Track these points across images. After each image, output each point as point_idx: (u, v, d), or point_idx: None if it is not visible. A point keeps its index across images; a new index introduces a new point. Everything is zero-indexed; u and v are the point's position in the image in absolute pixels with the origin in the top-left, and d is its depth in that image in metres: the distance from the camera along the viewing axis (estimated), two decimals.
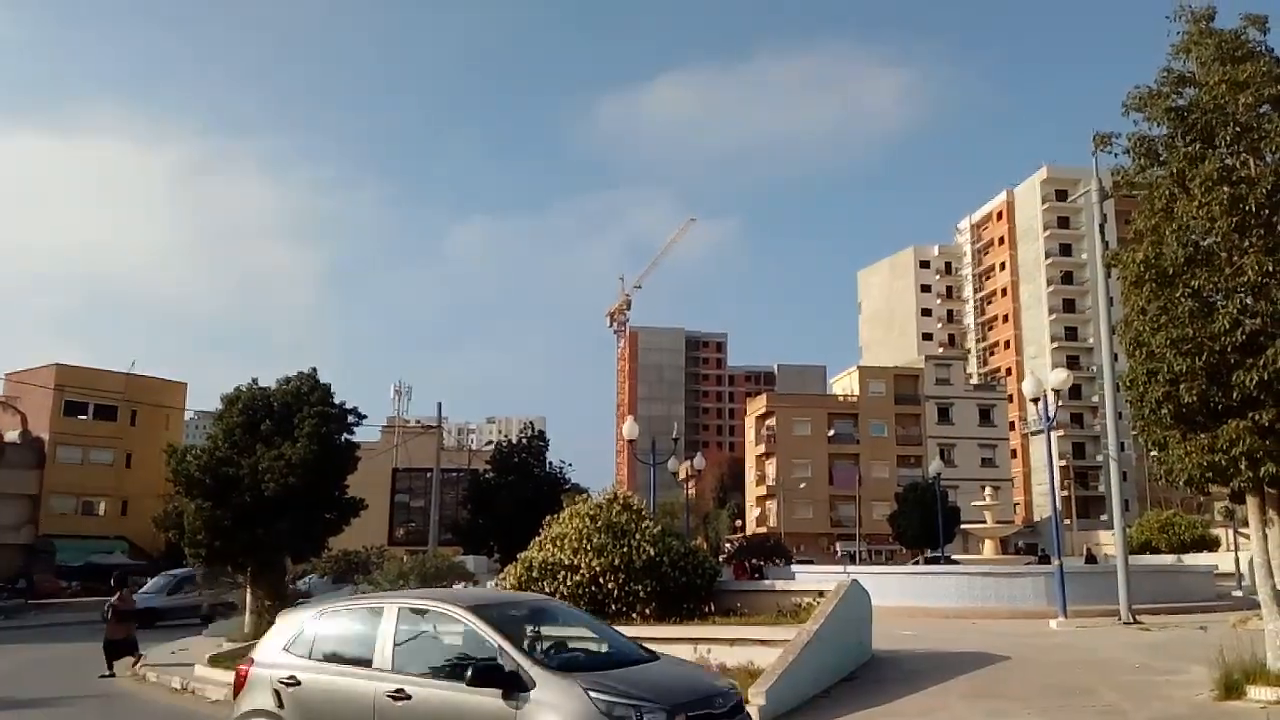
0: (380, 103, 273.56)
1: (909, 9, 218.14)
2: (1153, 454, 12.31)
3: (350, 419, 24.51)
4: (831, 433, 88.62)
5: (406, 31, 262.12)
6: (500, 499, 35.28)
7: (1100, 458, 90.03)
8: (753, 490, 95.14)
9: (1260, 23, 11.47)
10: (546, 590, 14.43)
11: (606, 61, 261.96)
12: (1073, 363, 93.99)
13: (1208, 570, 32.53)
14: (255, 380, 24.65)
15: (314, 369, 24.74)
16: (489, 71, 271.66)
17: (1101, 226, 24.05)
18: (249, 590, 23.50)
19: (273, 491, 22.23)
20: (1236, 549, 41.39)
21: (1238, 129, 10.97)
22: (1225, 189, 10.64)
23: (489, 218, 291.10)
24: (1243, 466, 10.38)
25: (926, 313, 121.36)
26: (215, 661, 16.73)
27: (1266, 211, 10.52)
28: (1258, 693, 10.34)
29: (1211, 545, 54.14)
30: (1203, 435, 10.72)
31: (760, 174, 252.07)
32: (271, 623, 22.45)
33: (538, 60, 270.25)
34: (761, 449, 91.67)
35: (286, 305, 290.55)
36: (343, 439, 24.28)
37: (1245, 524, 11.79)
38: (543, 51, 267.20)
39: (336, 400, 24.38)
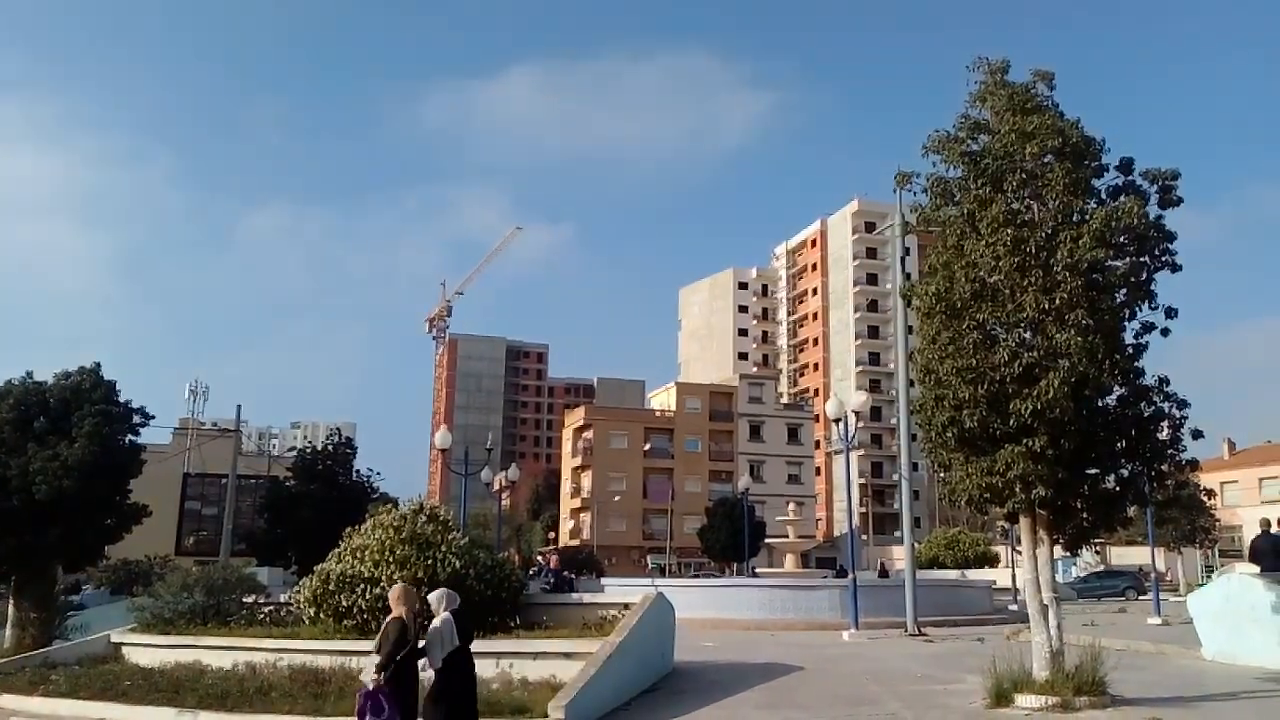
0: (174, 67, 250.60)
1: (768, 28, 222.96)
2: (939, 475, 13.03)
3: (136, 419, 23.21)
4: (648, 447, 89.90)
5: None
6: (301, 508, 33.65)
7: (896, 477, 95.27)
8: (568, 502, 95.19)
9: (1048, 78, 12.41)
10: (344, 604, 13.85)
11: (442, 48, 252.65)
12: (875, 386, 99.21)
13: (987, 585, 34.86)
14: (30, 374, 22.93)
15: (97, 364, 23.24)
16: (300, 41, 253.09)
17: (904, 259, 25.46)
18: (12, 602, 21.73)
19: (45, 495, 20.69)
20: (1013, 565, 44.47)
21: (1024, 176, 11.82)
22: (1010, 231, 11.44)
23: (294, 204, 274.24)
24: (1017, 489, 11.15)
25: (743, 333, 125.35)
26: None
27: (1045, 254, 11.35)
28: (1024, 700, 11.09)
29: (992, 561, 58.25)
30: (983, 459, 11.44)
31: (598, 182, 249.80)
32: (36, 636, 20.66)
33: (363, 36, 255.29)
34: (578, 461, 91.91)
35: (64, 291, 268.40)
36: (127, 440, 22.95)
37: (1020, 542, 12.62)
38: (370, 26, 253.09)
39: (122, 398, 22.96)
